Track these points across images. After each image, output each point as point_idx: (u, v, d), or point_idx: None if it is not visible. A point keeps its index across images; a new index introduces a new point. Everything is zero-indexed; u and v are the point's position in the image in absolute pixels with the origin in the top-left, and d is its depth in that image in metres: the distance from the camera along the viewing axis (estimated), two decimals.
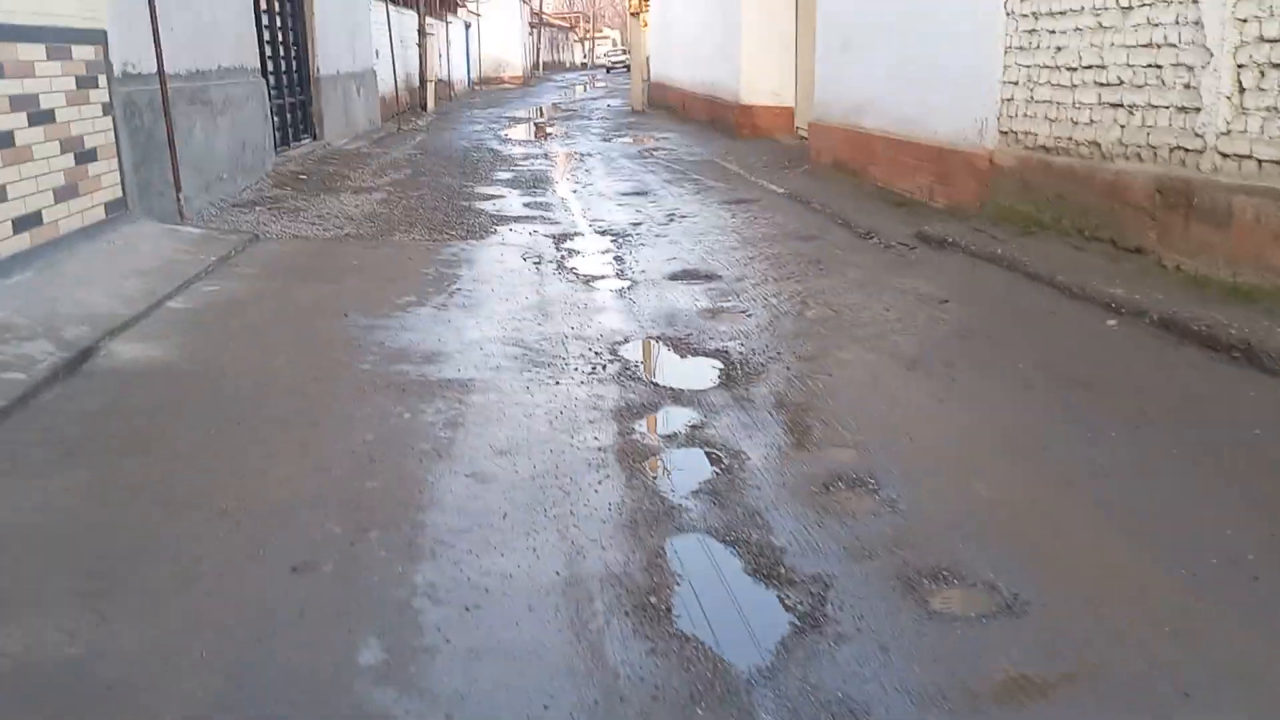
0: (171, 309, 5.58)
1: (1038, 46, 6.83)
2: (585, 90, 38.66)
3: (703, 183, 10.92)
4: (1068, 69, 6.51)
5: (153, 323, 5.31)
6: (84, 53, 6.41)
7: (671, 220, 8.72)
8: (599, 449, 3.96)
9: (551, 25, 71.99)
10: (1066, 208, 6.47)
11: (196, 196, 8.46)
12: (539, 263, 7.13)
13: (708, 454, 3.97)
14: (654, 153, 14.26)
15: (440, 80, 27.13)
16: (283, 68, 12.53)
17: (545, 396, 4.49)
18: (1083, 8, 6.29)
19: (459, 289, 6.29)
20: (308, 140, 13.55)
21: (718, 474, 3.76)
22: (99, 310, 5.21)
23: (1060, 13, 6.55)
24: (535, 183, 11.33)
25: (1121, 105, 5.99)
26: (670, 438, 4.14)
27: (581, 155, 14.35)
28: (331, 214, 8.95)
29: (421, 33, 23.48)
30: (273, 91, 11.85)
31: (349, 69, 15.80)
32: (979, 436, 4.02)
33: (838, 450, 3.92)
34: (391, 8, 21.09)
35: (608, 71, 65.41)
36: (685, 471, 3.85)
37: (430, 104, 23.76)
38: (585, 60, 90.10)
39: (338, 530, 3.20)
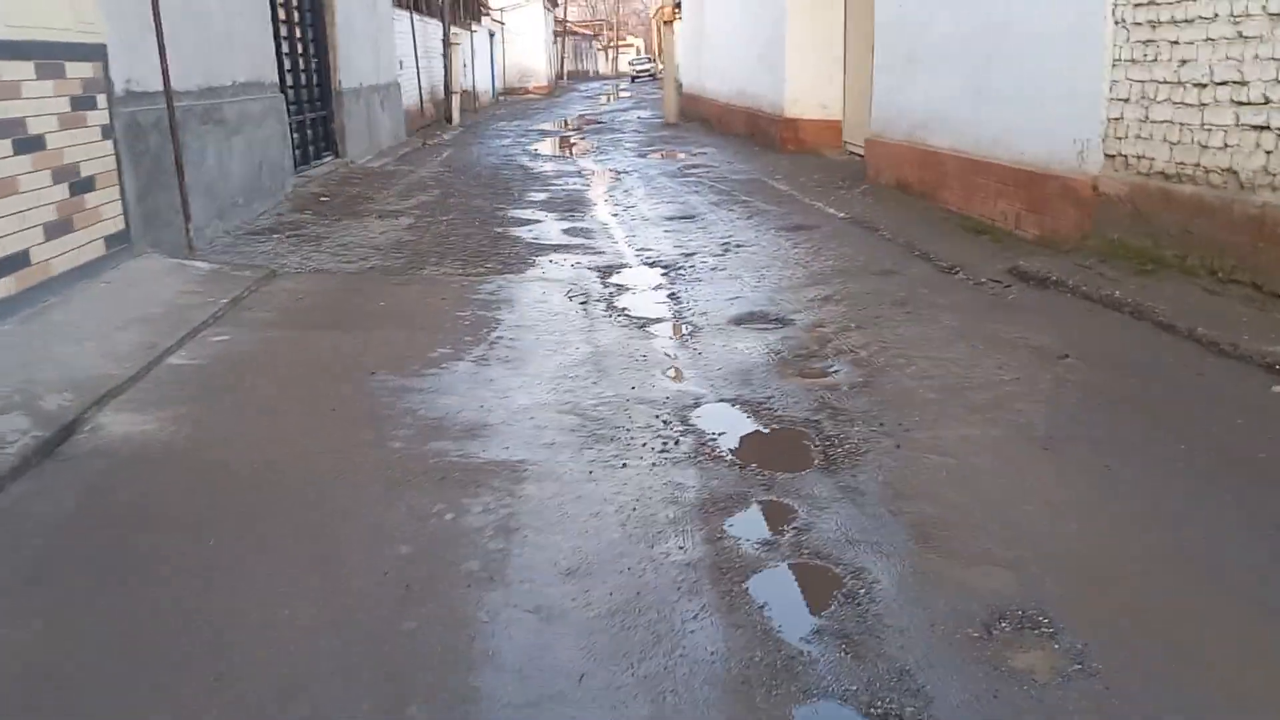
0: (173, 367, 4.83)
1: (1155, 59, 6.00)
2: (612, 100, 37.98)
3: (754, 205, 10.13)
4: (1195, 85, 5.68)
5: (149, 386, 4.56)
6: (80, 70, 5.68)
7: (726, 250, 7.93)
8: (687, 563, 3.18)
9: (575, 33, 71.49)
10: (1194, 244, 5.64)
11: (209, 224, 7.74)
12: (586, 302, 6.36)
13: (823, 571, 3.19)
14: (695, 170, 13.48)
15: (465, 91, 26.47)
16: (302, 81, 11.84)
17: (612, 485, 3.71)
18: (1216, 14, 5.47)
19: (500, 337, 5.52)
20: (329, 158, 12.86)
21: (841, 603, 2.98)
22: (88, 371, 4.47)
23: (1186, 20, 5.73)
24: (572, 205, 10.57)
25: (1268, 128, 5.16)
26: (771, 545, 3.36)
27: (618, 173, 13.60)
28: (355, 243, 8.22)
29: (446, 42, 22.82)
30: (291, 107, 11.17)
31: (372, 81, 15.11)
32: (1158, 550, 3.21)
33: (988, 571, 3.11)
34: (415, 17, 20.44)
35: (633, 80, 64.88)
36: (799, 599, 3.07)
37: (455, 116, 23.09)
38: (610, 69, 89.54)
39: (367, 708, 2.42)
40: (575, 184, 12.44)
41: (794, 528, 3.44)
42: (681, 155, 15.60)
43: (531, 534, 3.33)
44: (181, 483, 3.64)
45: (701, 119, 21.68)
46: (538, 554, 3.21)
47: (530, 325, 5.78)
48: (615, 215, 9.90)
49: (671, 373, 5.01)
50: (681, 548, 3.29)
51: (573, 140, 19.88)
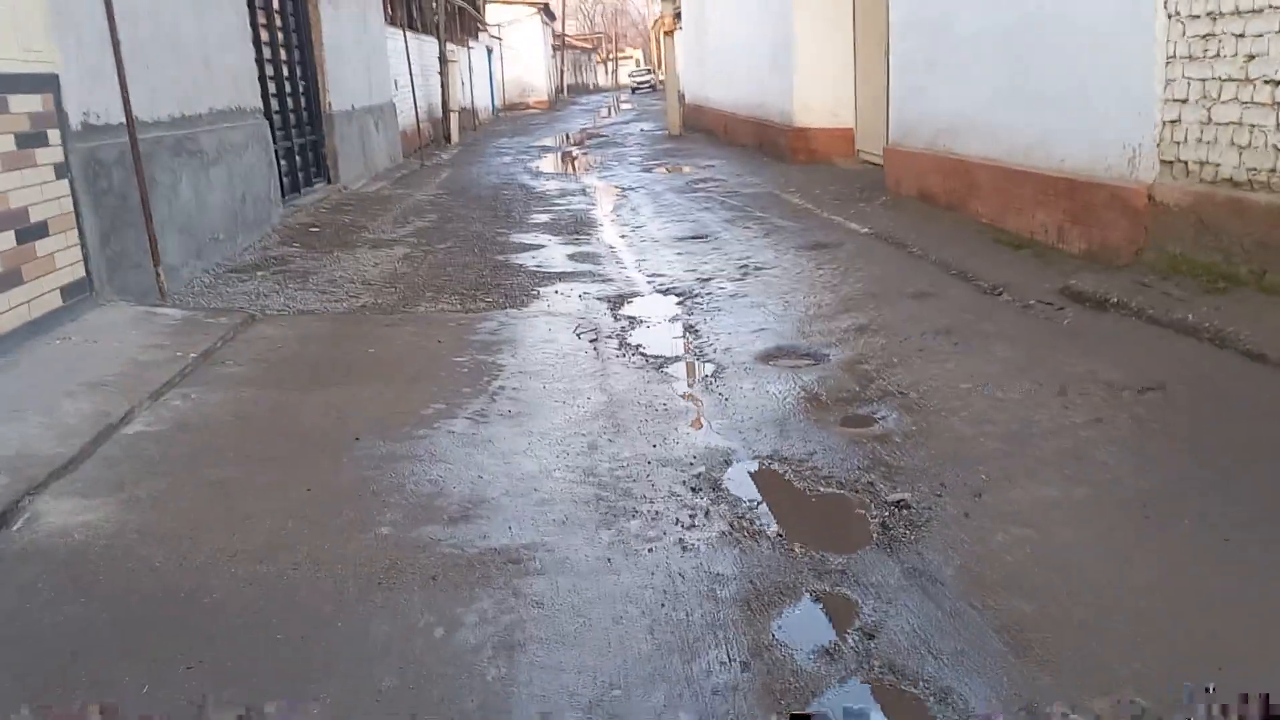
0: (128, 439, 4.24)
1: (1218, 54, 5.39)
2: (613, 113, 37.49)
3: (769, 221, 9.53)
4: (1267, 82, 5.06)
5: (99, 464, 3.97)
6: (26, 103, 5.11)
7: (746, 274, 7.33)
8: (732, 688, 2.60)
9: (574, 47, 71.14)
10: (1273, 259, 5.01)
11: (185, 264, 7.17)
12: (596, 340, 5.76)
13: (900, 695, 2.58)
14: (703, 184, 12.89)
15: (464, 109, 25.97)
16: (289, 105, 11.28)
17: (636, 577, 3.12)
18: None
19: (501, 387, 4.92)
20: (320, 185, 12.29)
21: None
22: (28, 449, 3.88)
23: (1253, 11, 5.11)
24: (577, 226, 9.99)
25: None
26: (832, 656, 2.76)
27: (624, 190, 13.02)
28: (345, 278, 7.64)
29: (443, 60, 22.31)
30: (278, 133, 10.61)
31: (365, 103, 14.57)
32: None
33: (1117, 700, 2.49)
34: (410, 34, 19.93)
35: (633, 92, 64.56)
36: None
37: (454, 135, 22.56)
38: (609, 81, 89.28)
39: None
40: (579, 203, 11.86)
41: (858, 630, 2.85)
42: (688, 169, 15.03)
43: (541, 651, 2.74)
44: (127, 594, 3.05)
45: (706, 130, 21.12)
46: (548, 680, 2.61)
47: (535, 370, 5.19)
48: (623, 237, 9.32)
49: (697, 424, 4.40)
50: (724, 662, 2.71)
51: (576, 156, 19.33)
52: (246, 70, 9.39)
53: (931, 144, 9.12)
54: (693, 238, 9.01)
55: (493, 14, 40.22)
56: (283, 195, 10.68)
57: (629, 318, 6.31)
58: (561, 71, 56.51)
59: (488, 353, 5.54)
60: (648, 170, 15.27)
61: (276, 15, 11.13)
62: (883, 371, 4.89)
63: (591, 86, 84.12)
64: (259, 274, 7.80)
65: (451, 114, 22.47)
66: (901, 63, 9.76)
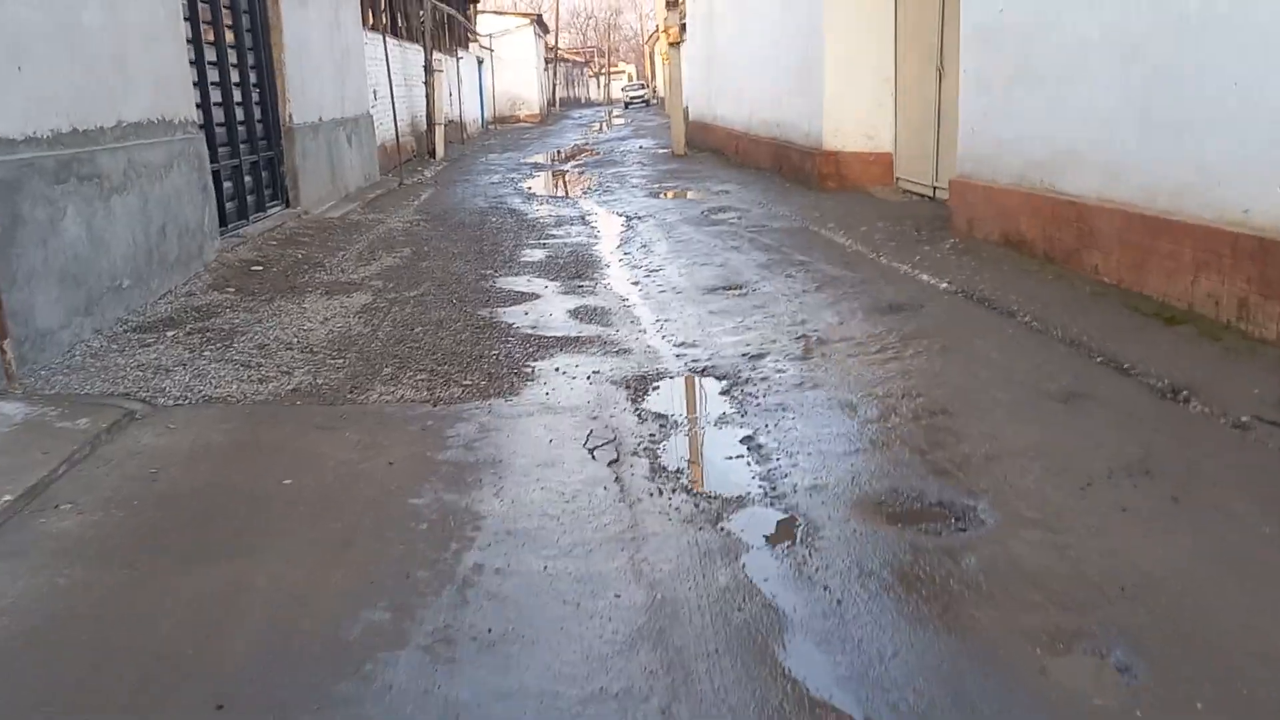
0: None
1: None
2: (607, 128, 35.77)
3: (815, 268, 7.75)
4: None
5: None
6: None
7: (808, 348, 5.55)
8: None
9: (566, 60, 69.63)
10: None
11: (67, 325, 5.36)
12: (618, 461, 3.98)
13: None
14: (723, 215, 11.11)
15: (451, 121, 24.19)
16: (237, 116, 9.47)
17: None
18: None
19: (479, 567, 3.13)
20: (276, 209, 10.46)
21: None
22: None
23: None
24: (579, 267, 8.22)
25: None
26: None
27: (630, 219, 11.23)
28: (281, 341, 5.86)
29: (428, 69, 20.53)
30: (221, 149, 8.80)
31: (336, 114, 12.75)
32: None
33: None
34: (393, 41, 18.16)
35: (626, 106, 63.15)
36: None
37: (440, 149, 20.76)
38: (601, 95, 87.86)
39: None
40: (579, 235, 10.07)
41: None
42: (701, 195, 13.24)
43: None
44: None
45: (713, 149, 19.37)
46: None
47: (531, 530, 3.38)
48: (636, 284, 7.53)
49: (810, 671, 2.58)
50: None
51: (571, 175, 17.56)
52: (177, 73, 7.58)
53: (1022, 178, 7.35)
54: (725, 288, 7.23)
55: (484, 24, 38.52)
56: (224, 224, 8.86)
57: (659, 418, 4.52)
58: (554, 85, 54.84)
59: (460, 489, 3.73)
60: (655, 195, 13.48)
61: (225, 9, 9.31)
62: (1089, 558, 3.08)
63: (583, 100, 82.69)
64: (170, 334, 5.98)
65: (437, 127, 20.67)
66: (977, 78, 8.01)
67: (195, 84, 8.51)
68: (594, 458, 4.06)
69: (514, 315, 6.59)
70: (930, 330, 5.74)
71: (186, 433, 4.33)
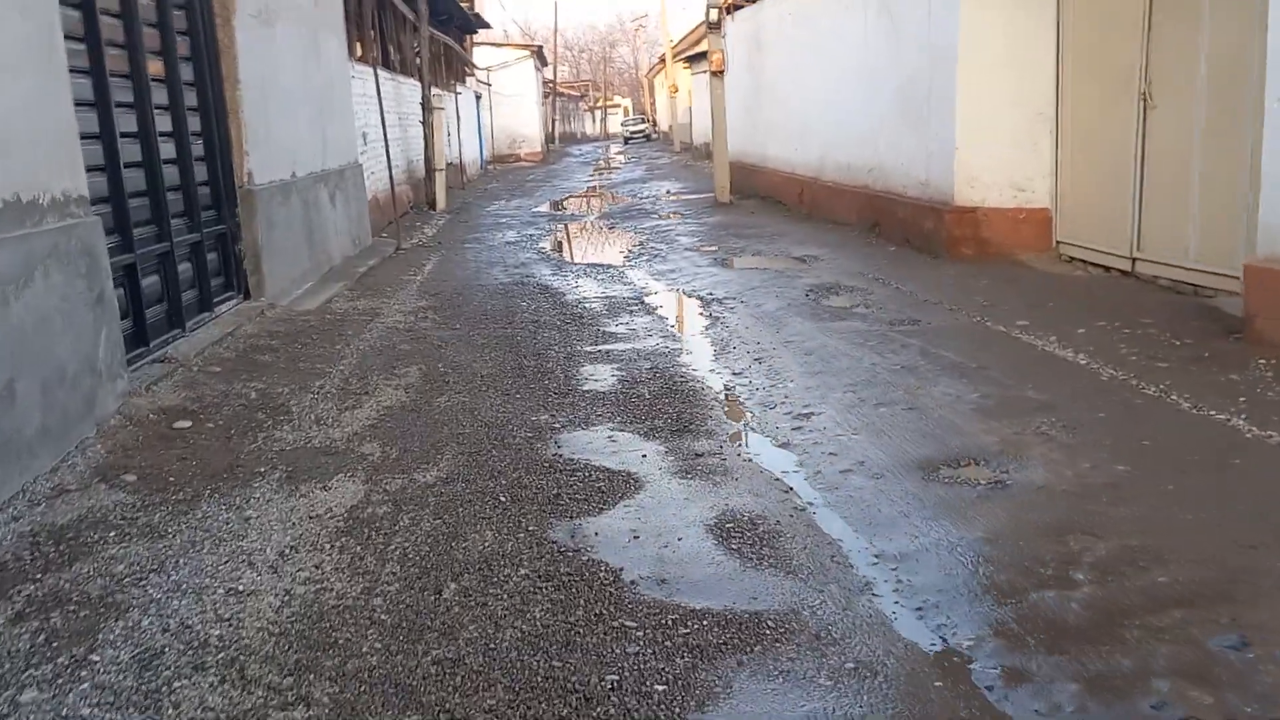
0: None
1: None
2: (617, 167, 32.97)
3: (1068, 413, 4.95)
4: None
5: None
6: None
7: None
8: None
9: (562, 94, 67.19)
10: None
11: None
12: None
13: None
14: (835, 295, 8.29)
15: (450, 164, 21.34)
16: (167, 180, 6.55)
17: None
18: None
19: None
20: (231, 304, 7.53)
21: None
22: None
23: None
24: (677, 405, 5.45)
25: None
26: None
27: (706, 302, 8.36)
28: (186, 641, 3.04)
29: (427, 106, 17.69)
30: (140, 231, 5.89)
31: (316, 166, 9.86)
32: None
33: None
34: (385, 74, 15.31)
35: (626, 142, 60.70)
36: None
37: (441, 199, 17.89)
38: (598, 130, 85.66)
39: None
40: (649, 333, 7.22)
41: None
42: (783, 263, 10.36)
43: None
44: None
45: (762, 196, 16.53)
46: None
47: None
48: (789, 450, 4.67)
49: None
50: None
51: (600, 231, 14.68)
52: (50, 126, 4.72)
53: None
54: (948, 464, 4.42)
55: (481, 56, 35.85)
56: (143, 342, 5.95)
57: None
58: (553, 120, 52.24)
59: None
60: (721, 263, 10.58)
61: (149, 27, 6.42)
62: None
63: (579, 135, 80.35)
64: None
65: (437, 173, 17.82)
66: None
67: (95, 136, 5.60)
68: None
69: (611, 540, 3.71)
70: None
71: None
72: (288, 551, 3.71)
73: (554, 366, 6.36)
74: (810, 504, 4.03)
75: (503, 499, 4.17)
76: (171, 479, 4.46)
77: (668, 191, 20.79)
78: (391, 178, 13.39)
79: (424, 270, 10.78)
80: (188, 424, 5.16)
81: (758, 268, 10.13)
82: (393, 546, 3.73)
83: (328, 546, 3.74)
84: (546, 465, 4.56)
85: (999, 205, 9.09)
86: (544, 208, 19.03)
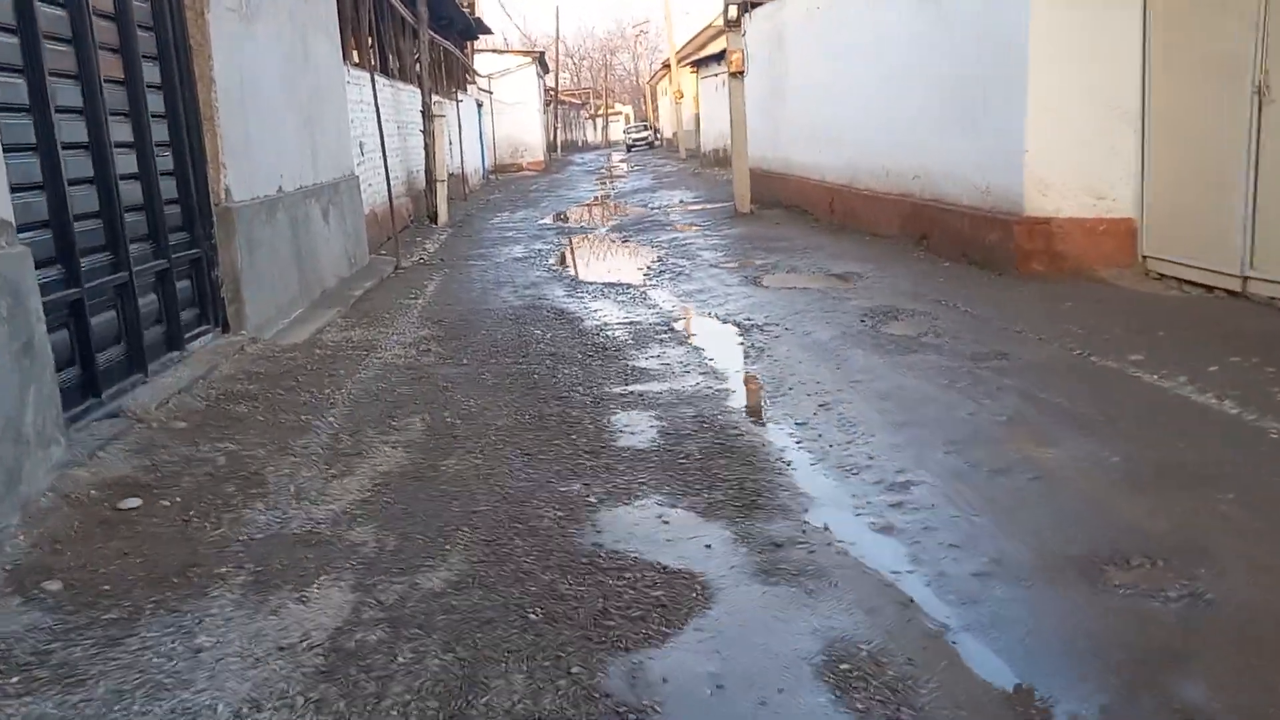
0: None
1: None
2: (622, 176, 32.00)
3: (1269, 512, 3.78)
4: None
5: None
6: None
7: None
8: None
9: (564, 102, 66.33)
10: None
11: None
12: None
13: None
14: (895, 321, 7.32)
15: (451, 175, 20.35)
16: (124, 199, 5.54)
17: None
18: None
19: None
20: (205, 339, 6.55)
21: None
22: None
23: None
24: (737, 471, 4.47)
25: None
26: None
27: (745, 329, 7.42)
28: None
29: (427, 114, 16.70)
30: (90, 260, 4.90)
31: (306, 180, 8.88)
32: None
33: None
34: (383, 80, 14.34)
35: (628, 149, 59.87)
36: None
37: (443, 213, 16.89)
38: (599, 138, 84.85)
39: None
40: (686, 370, 6.27)
41: None
42: (823, 281, 9.36)
43: None
44: None
45: (785, 205, 15.52)
46: None
47: None
48: (889, 531, 3.78)
49: None
50: None
51: (614, 244, 13.69)
52: None
53: None
54: (1119, 558, 3.34)
55: (482, 63, 34.91)
56: (92, 393, 4.95)
57: None
58: (555, 128, 51.29)
59: None
60: (753, 281, 9.58)
61: (98, 17, 5.42)
62: None
63: (580, 144, 79.53)
64: None
65: (439, 184, 16.83)
66: None
67: (30, 147, 4.61)
68: None
69: (688, 694, 2.83)
70: None
71: None
72: (245, 711, 2.68)
73: (580, 414, 5.35)
74: (945, 626, 3.01)
75: (533, 617, 3.16)
76: (106, 587, 3.45)
77: (680, 201, 19.80)
78: (389, 191, 12.39)
79: (426, 292, 9.78)
80: (137, 503, 4.15)
81: (796, 287, 9.11)
82: (387, 702, 2.71)
83: (300, 702, 2.73)
84: (586, 562, 3.55)
85: (1075, 215, 8.09)
86: (551, 220, 18.04)
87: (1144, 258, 7.96)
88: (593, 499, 4.16)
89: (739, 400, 5.61)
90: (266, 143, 8.07)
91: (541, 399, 5.70)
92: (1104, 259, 8.02)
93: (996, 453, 4.42)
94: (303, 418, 5.37)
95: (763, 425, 5.10)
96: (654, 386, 5.90)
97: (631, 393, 5.79)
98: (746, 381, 6.05)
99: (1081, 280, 7.98)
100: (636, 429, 5.11)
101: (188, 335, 6.37)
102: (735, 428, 5.05)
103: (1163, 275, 7.71)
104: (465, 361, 6.72)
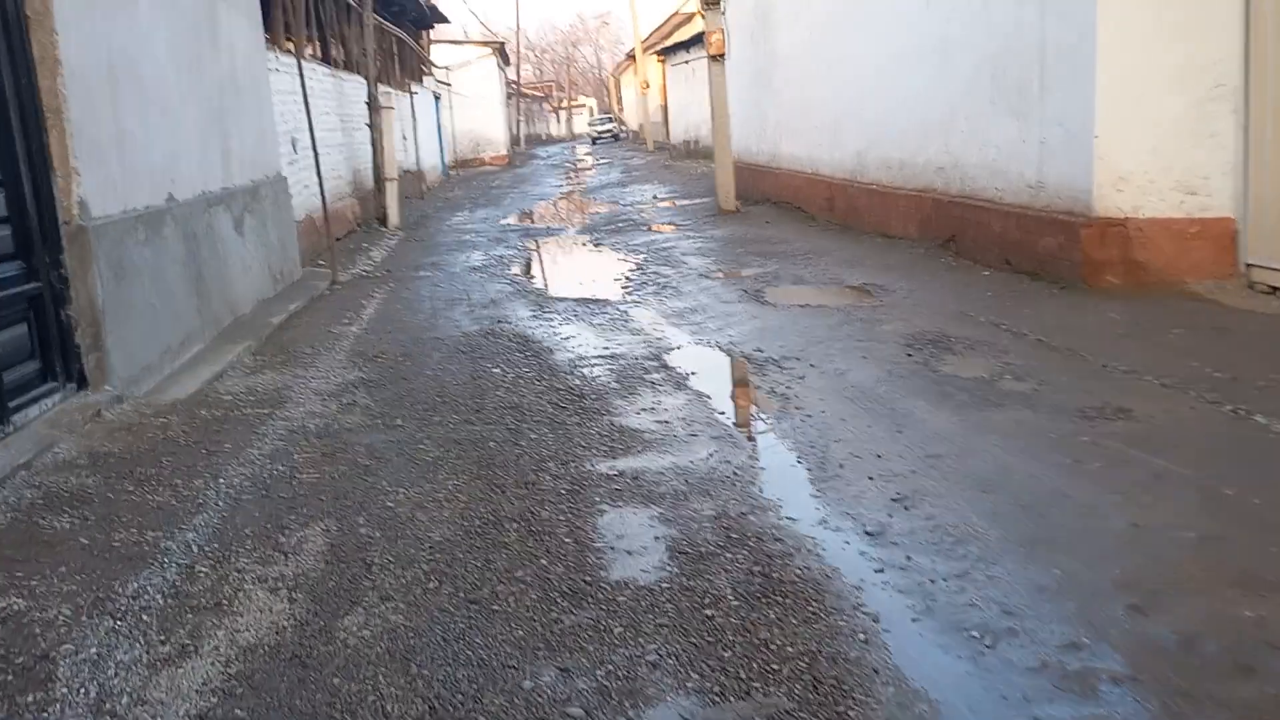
0: None
1: None
2: (589, 170, 30.34)
3: None
4: None
5: None
6: None
7: None
8: None
9: (526, 95, 64.60)
10: None
11: None
12: None
13: None
14: (949, 355, 5.83)
15: (407, 172, 18.63)
16: None
17: None
18: None
19: None
20: (49, 401, 4.86)
21: None
22: None
23: None
24: (793, 635, 2.89)
25: None
26: None
27: (759, 366, 5.93)
28: None
29: (373, 106, 14.95)
30: None
31: (211, 185, 7.21)
32: None
33: None
34: (325, 70, 12.64)
35: (593, 142, 58.57)
36: None
37: (394, 214, 15.16)
38: (563, 131, 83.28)
39: None
40: (691, 431, 4.76)
41: None
42: (838, 296, 7.82)
43: None
44: None
45: (775, 202, 13.94)
46: None
47: None
48: None
49: None
50: None
51: (586, 249, 12.03)
52: None
53: None
54: None
55: (440, 55, 33.07)
56: None
57: None
58: (518, 121, 49.51)
59: None
60: (754, 297, 7.99)
61: None
62: None
63: (545, 137, 77.85)
64: None
65: (388, 183, 15.10)
66: None
67: None
68: None
69: None
70: None
71: None
72: None
73: (552, 517, 3.74)
74: None
75: None
76: None
77: (654, 197, 18.18)
78: (323, 194, 10.65)
79: (362, 316, 8.10)
80: None
81: (809, 304, 7.52)
82: None
83: None
84: None
85: (1159, 215, 6.55)
86: (514, 220, 16.38)
87: (1247, 266, 6.42)
88: (576, 710, 2.52)
89: (773, 486, 4.02)
90: (152, 141, 6.39)
91: (498, 486, 4.08)
92: (1195, 269, 6.50)
93: (1213, 611, 2.82)
94: (148, 536, 3.69)
95: (817, 539, 3.49)
96: (652, 462, 4.29)
97: (622, 474, 4.18)
98: (776, 453, 4.44)
99: (1171, 296, 6.44)
100: (635, 544, 3.51)
101: (15, 403, 4.66)
102: (778, 540, 3.46)
103: (1273, 288, 6.18)
104: (399, 422, 5.07)
